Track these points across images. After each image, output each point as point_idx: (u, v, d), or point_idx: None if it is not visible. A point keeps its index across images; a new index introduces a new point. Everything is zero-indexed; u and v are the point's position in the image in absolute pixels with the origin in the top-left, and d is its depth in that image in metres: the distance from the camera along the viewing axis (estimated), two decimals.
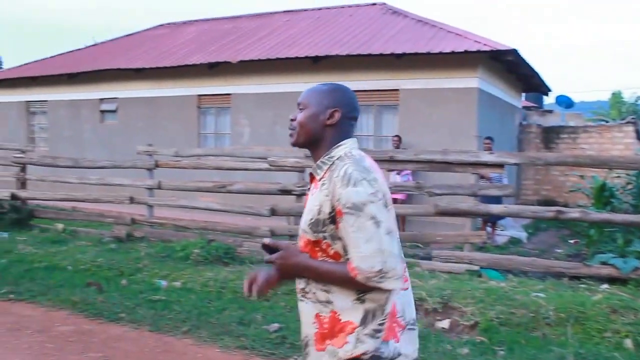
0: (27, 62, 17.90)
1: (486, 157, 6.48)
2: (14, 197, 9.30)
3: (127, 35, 18.12)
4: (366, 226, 1.64)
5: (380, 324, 1.71)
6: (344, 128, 1.86)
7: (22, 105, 16.70)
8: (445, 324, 4.74)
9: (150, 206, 8.56)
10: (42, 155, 11.81)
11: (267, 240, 1.87)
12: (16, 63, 18.76)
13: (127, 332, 4.74)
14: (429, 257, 6.71)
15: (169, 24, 18.07)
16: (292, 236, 6.88)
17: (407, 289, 1.84)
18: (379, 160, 6.95)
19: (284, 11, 16.08)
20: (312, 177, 1.87)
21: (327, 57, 11.17)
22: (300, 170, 7.30)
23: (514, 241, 9.53)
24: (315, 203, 1.76)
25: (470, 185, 6.63)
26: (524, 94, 17.06)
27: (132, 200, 8.44)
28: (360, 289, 1.69)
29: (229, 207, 7.88)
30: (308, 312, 1.82)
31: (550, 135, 14.40)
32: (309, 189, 1.89)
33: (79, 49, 18.16)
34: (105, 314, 5.13)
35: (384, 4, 14.30)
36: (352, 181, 1.67)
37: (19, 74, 16.61)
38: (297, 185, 7.22)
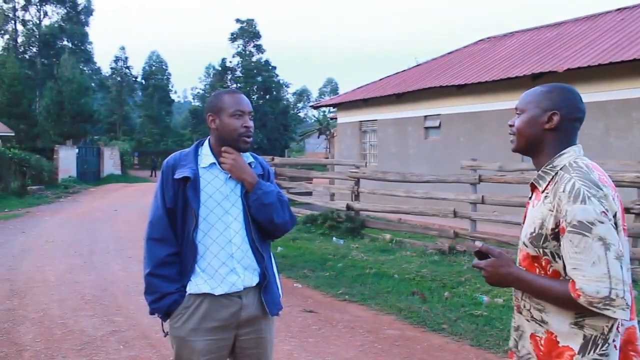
0: (359, 86, 19.83)
1: None
2: (348, 207, 10.34)
3: (448, 53, 18.65)
4: (593, 248, 1.51)
5: (602, 354, 1.55)
6: (566, 132, 1.73)
7: (356, 125, 18.54)
8: None
9: (474, 220, 8.57)
10: (373, 170, 12.87)
11: (479, 245, 1.76)
12: (350, 88, 20.95)
13: (448, 344, 4.78)
14: None
15: (488, 38, 18.03)
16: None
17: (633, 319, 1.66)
18: None
19: (617, 9, 14.52)
20: (533, 187, 1.77)
21: None
22: None
23: None
24: (537, 216, 1.66)
25: None
26: None
27: (455, 214, 8.55)
28: (579, 312, 1.56)
29: None
30: (525, 329, 1.73)
31: None
32: (530, 198, 1.79)
33: (404, 70, 19.36)
34: (428, 323, 5.27)
35: None
36: (580, 197, 1.55)
37: (352, 97, 18.53)
38: (636, 203, 6.42)
